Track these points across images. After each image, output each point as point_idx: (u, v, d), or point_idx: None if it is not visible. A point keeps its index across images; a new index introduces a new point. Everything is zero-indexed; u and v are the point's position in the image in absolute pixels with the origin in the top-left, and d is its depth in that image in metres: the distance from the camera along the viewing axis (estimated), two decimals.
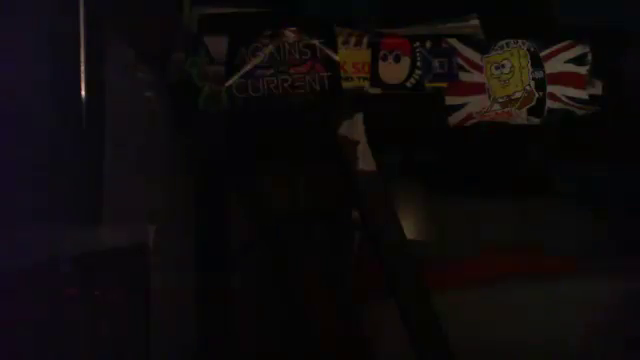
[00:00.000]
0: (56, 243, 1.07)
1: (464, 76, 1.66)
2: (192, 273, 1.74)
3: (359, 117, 1.66)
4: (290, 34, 1.62)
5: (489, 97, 1.67)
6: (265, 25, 1.63)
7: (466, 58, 1.66)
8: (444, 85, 1.65)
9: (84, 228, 1.18)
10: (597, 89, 1.69)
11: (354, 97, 1.64)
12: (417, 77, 1.65)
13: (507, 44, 1.68)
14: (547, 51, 1.69)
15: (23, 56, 1.09)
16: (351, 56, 1.63)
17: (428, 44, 1.65)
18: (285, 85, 1.61)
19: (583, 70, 1.68)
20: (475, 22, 1.68)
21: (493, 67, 1.67)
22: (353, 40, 1.64)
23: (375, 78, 1.64)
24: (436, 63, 1.65)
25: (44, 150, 1.12)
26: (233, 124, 1.70)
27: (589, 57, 1.69)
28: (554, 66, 1.68)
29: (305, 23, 1.64)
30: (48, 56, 1.15)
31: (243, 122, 1.70)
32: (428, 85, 1.65)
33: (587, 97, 1.69)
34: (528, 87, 1.68)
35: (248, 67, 1.61)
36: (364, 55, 1.63)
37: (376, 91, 1.64)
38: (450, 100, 1.66)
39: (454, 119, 1.67)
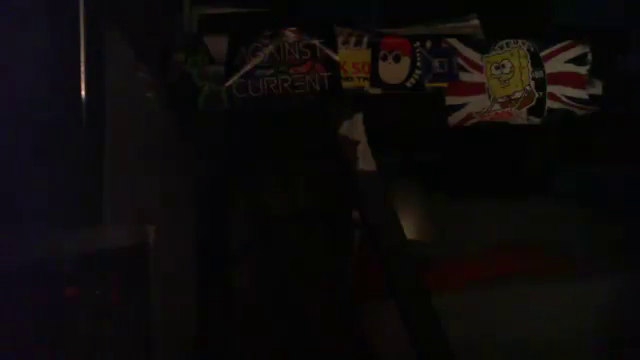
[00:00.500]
0: (56, 243, 1.07)
1: (464, 76, 1.66)
2: (192, 273, 1.74)
3: (359, 117, 1.66)
4: (290, 34, 1.62)
5: (489, 97, 1.67)
6: (265, 25, 1.63)
7: (466, 58, 1.66)
8: (444, 85, 1.65)
9: (84, 228, 1.18)
10: (597, 89, 1.69)
11: (354, 97, 1.64)
12: (417, 77, 1.65)
13: (507, 44, 1.68)
14: (547, 51, 1.69)
15: (23, 56, 1.09)
16: (351, 56, 1.63)
17: (428, 44, 1.65)
18: (285, 85, 1.61)
19: (583, 70, 1.68)
20: (475, 22, 1.68)
21: (493, 67, 1.67)
22: (353, 40, 1.63)
23: (375, 78, 1.64)
24: (436, 63, 1.65)
25: (44, 150, 1.12)
26: (233, 124, 1.70)
27: (589, 57, 1.69)
28: (554, 66, 1.68)
29: (305, 23, 1.64)
30: (48, 56, 1.15)
31: (243, 122, 1.70)
32: (428, 85, 1.65)
33: (587, 97, 1.69)
34: (528, 87, 1.68)
35: (248, 67, 1.61)
36: (364, 55, 1.63)
37: (376, 91, 1.64)
38: (450, 100, 1.66)
39: (454, 119, 1.67)
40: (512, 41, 1.69)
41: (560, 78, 1.69)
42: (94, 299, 1.17)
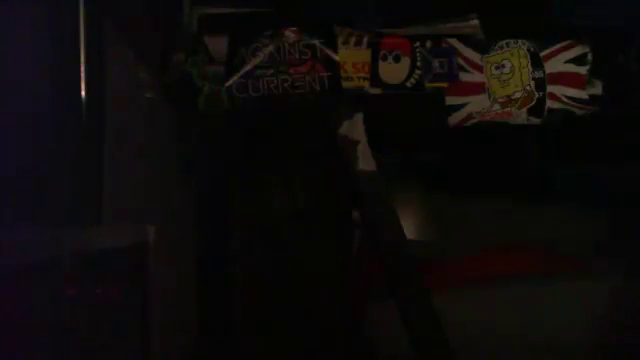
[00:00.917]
0: (56, 243, 1.07)
1: (464, 76, 1.66)
2: (192, 273, 1.74)
3: (359, 117, 1.66)
4: (290, 34, 1.62)
5: (489, 97, 1.67)
6: (265, 25, 1.63)
7: (466, 58, 1.66)
8: (444, 85, 1.65)
9: (84, 228, 1.18)
10: (597, 89, 1.69)
11: (354, 97, 1.64)
12: (417, 77, 1.65)
13: (507, 44, 1.68)
14: (547, 51, 1.69)
15: (23, 56, 1.09)
16: (351, 56, 1.63)
17: (428, 44, 1.65)
18: (285, 85, 1.61)
19: (583, 70, 1.68)
20: (475, 22, 1.68)
21: (493, 67, 1.67)
22: (353, 40, 1.64)
23: (375, 78, 1.64)
24: (436, 63, 1.65)
25: (44, 150, 1.12)
26: (233, 124, 1.70)
27: (589, 57, 1.69)
28: (554, 66, 1.68)
29: (305, 23, 1.64)
30: (48, 56, 1.15)
31: (243, 122, 1.70)
32: (428, 85, 1.65)
33: (587, 97, 1.69)
34: (528, 87, 1.68)
35: (248, 67, 1.61)
36: (364, 55, 1.63)
37: (376, 91, 1.64)
38: (450, 100, 1.66)
39: (454, 119, 1.67)
40: (512, 41, 1.69)
41: (560, 78, 1.69)
42: (94, 299, 1.17)
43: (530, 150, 2.14)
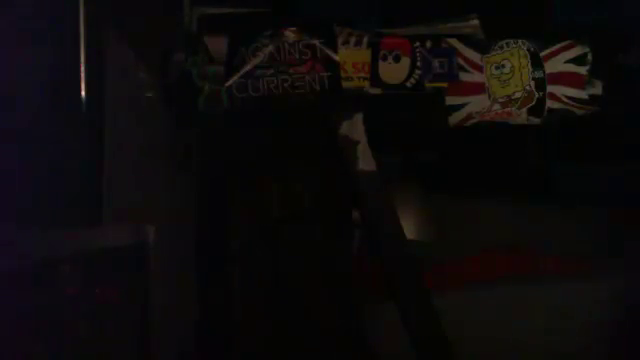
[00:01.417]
0: (56, 243, 1.07)
1: (464, 76, 1.66)
2: (192, 273, 1.74)
3: (359, 117, 1.66)
4: (290, 34, 1.62)
5: (489, 97, 1.67)
6: (265, 25, 1.63)
7: (466, 58, 1.66)
8: (444, 85, 1.65)
9: (84, 228, 1.18)
10: (597, 89, 1.69)
11: (354, 97, 1.64)
12: (417, 77, 1.65)
13: (507, 44, 1.68)
14: (547, 51, 1.69)
15: (23, 56, 1.09)
16: (351, 56, 1.63)
17: (428, 44, 1.65)
18: (285, 85, 1.61)
19: (583, 70, 1.68)
20: (475, 22, 1.68)
21: (493, 67, 1.67)
22: (353, 40, 1.64)
23: (375, 78, 1.64)
24: (436, 63, 1.65)
25: (44, 150, 1.12)
26: (233, 124, 1.70)
27: (589, 57, 1.69)
28: (554, 66, 1.68)
29: (305, 23, 1.64)
30: (48, 56, 1.15)
31: (243, 122, 1.70)
32: (428, 85, 1.65)
33: (587, 97, 1.69)
34: (528, 87, 1.68)
35: (248, 67, 1.61)
36: (364, 55, 1.63)
37: (376, 91, 1.64)
38: (450, 100, 1.66)
39: (454, 119, 1.67)
40: (512, 41, 1.69)
41: (560, 78, 1.69)
42: (94, 299, 1.17)
43: (530, 150, 2.14)
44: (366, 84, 1.64)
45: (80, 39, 1.19)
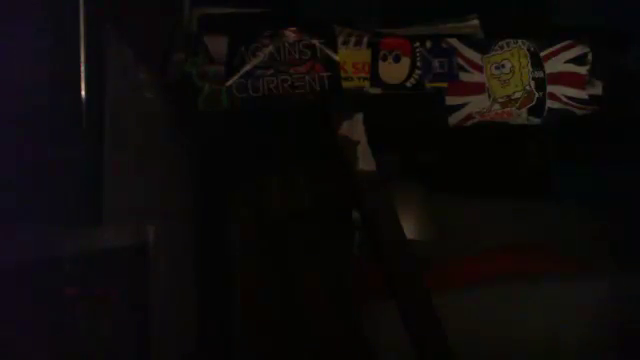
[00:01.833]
0: (56, 243, 1.07)
1: (464, 76, 1.66)
2: (192, 273, 1.74)
3: (359, 117, 1.66)
4: (290, 34, 1.62)
5: (489, 97, 1.67)
6: (265, 25, 1.63)
7: (466, 58, 1.66)
8: (444, 85, 1.65)
9: (84, 228, 1.18)
10: (597, 89, 1.69)
11: (354, 97, 1.64)
12: (417, 77, 1.65)
13: (507, 44, 1.68)
14: (547, 51, 1.69)
15: (23, 56, 1.09)
16: (351, 56, 1.63)
17: (428, 44, 1.65)
18: (285, 85, 1.61)
19: (583, 70, 1.68)
20: (475, 22, 1.68)
21: (493, 67, 1.67)
22: (353, 40, 1.63)
23: (375, 78, 1.64)
24: (436, 63, 1.65)
25: (44, 150, 1.12)
26: (233, 124, 1.70)
27: (589, 57, 1.69)
28: (554, 66, 1.68)
29: (305, 23, 1.64)
30: (48, 56, 1.15)
31: (243, 122, 1.70)
32: (428, 85, 1.65)
33: (587, 97, 1.69)
34: (528, 87, 1.68)
35: (248, 67, 1.61)
36: (364, 55, 1.63)
37: (376, 91, 1.64)
38: (450, 100, 1.66)
39: (454, 119, 1.67)
40: (512, 41, 1.68)
41: (560, 78, 1.68)
42: (94, 299, 1.17)
43: (530, 150, 2.14)
44: (366, 84, 1.63)
45: (80, 39, 1.20)
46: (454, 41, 1.66)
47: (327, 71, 1.62)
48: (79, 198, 1.18)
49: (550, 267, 1.93)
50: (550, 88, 1.68)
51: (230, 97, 1.61)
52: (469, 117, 1.68)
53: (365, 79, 1.64)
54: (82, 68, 1.19)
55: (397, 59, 1.65)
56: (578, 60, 1.69)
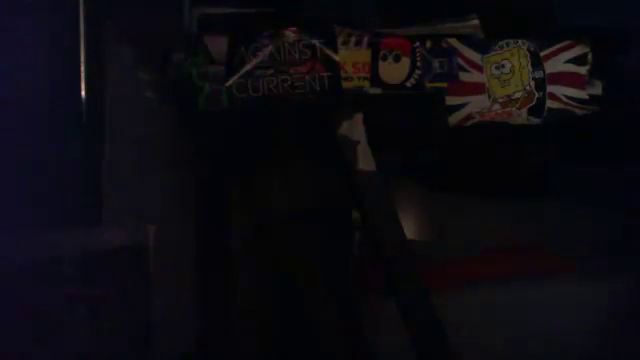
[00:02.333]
0: (56, 243, 1.07)
1: (464, 76, 1.66)
2: (192, 273, 1.74)
3: (359, 117, 1.66)
4: (290, 34, 1.62)
5: (489, 97, 1.67)
6: (265, 25, 1.63)
7: (466, 58, 1.66)
8: (444, 85, 1.65)
9: (84, 228, 1.18)
10: (597, 89, 1.69)
11: (354, 97, 1.64)
12: (417, 77, 1.65)
13: (507, 44, 1.68)
14: (547, 51, 1.68)
15: (23, 56, 1.09)
16: (351, 56, 1.63)
17: (428, 44, 1.65)
18: (285, 85, 1.61)
19: (583, 70, 1.68)
20: (475, 22, 1.67)
21: (493, 67, 1.67)
22: (353, 40, 1.63)
23: (375, 78, 1.64)
24: (436, 63, 1.65)
25: (44, 150, 1.12)
26: (233, 124, 1.70)
27: (589, 57, 1.68)
28: (554, 66, 1.68)
29: (305, 23, 1.64)
30: (48, 56, 1.15)
31: (243, 122, 1.70)
32: (428, 85, 1.65)
33: (587, 97, 1.69)
34: (528, 87, 1.68)
35: (248, 67, 1.60)
36: (364, 55, 1.63)
37: (376, 91, 1.64)
38: (450, 100, 1.66)
39: (454, 119, 1.67)
40: (512, 41, 1.68)
41: (560, 78, 1.68)
42: (94, 299, 1.17)
43: (530, 150, 2.14)
44: (366, 84, 1.63)
45: (80, 39, 1.20)
46: (454, 41, 1.66)
47: (327, 71, 1.62)
48: (79, 198, 1.18)
49: (550, 267, 1.93)
50: (550, 88, 1.68)
51: (230, 97, 1.60)
52: (469, 117, 1.68)
53: (365, 79, 1.64)
54: (82, 68, 1.20)
55: (397, 59, 1.65)
56: (578, 60, 1.69)
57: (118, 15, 1.30)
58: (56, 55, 1.15)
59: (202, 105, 1.61)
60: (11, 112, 1.03)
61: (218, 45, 1.62)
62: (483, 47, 1.68)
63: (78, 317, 1.10)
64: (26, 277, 0.95)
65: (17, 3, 1.07)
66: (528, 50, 1.69)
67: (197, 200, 1.77)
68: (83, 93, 1.17)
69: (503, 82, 1.68)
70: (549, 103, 1.69)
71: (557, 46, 1.70)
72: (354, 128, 1.66)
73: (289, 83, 1.62)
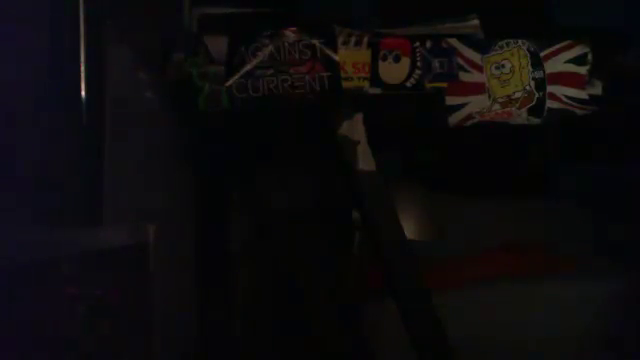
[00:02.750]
0: (56, 243, 1.07)
1: (464, 76, 1.66)
2: (192, 273, 1.74)
3: (359, 117, 1.66)
4: (290, 34, 1.62)
5: (489, 97, 1.67)
6: (265, 25, 1.63)
7: (466, 58, 1.66)
8: (444, 85, 1.65)
9: (84, 228, 1.18)
10: (597, 89, 1.69)
11: (354, 97, 1.64)
12: (417, 77, 1.65)
13: (507, 44, 1.68)
14: (547, 51, 1.68)
15: (23, 56, 1.09)
16: (351, 56, 1.63)
17: (428, 44, 1.65)
18: (285, 85, 1.61)
19: (583, 70, 1.68)
20: (475, 22, 1.67)
21: (493, 67, 1.67)
22: (353, 40, 1.63)
23: (375, 78, 1.64)
24: (436, 63, 1.65)
25: (44, 150, 1.12)
26: (233, 124, 1.70)
27: (589, 57, 1.68)
28: (554, 66, 1.68)
29: (305, 23, 1.64)
30: (48, 56, 1.15)
31: (243, 122, 1.70)
32: (428, 85, 1.65)
33: (587, 97, 1.69)
34: (528, 87, 1.68)
35: (248, 67, 1.60)
36: (364, 55, 1.63)
37: (376, 91, 1.64)
38: (450, 100, 1.66)
39: (454, 119, 1.67)
40: (512, 41, 1.68)
41: (560, 78, 1.68)
42: (94, 299, 1.17)
43: (530, 150, 2.14)
44: (366, 84, 1.63)
45: (80, 39, 1.20)
46: (454, 41, 1.66)
47: (327, 71, 1.62)
48: (79, 198, 1.18)
49: (550, 267, 1.93)
50: (550, 88, 1.68)
51: (230, 97, 1.60)
52: (469, 117, 1.68)
53: (365, 79, 1.64)
54: (82, 68, 1.19)
55: (397, 59, 1.65)
56: (578, 60, 1.69)
57: (118, 15, 1.30)
58: (56, 55, 1.15)
59: (202, 105, 1.61)
60: (11, 112, 1.03)
61: (218, 45, 1.62)
62: (483, 47, 1.68)
63: (78, 317, 1.10)
64: (26, 277, 0.95)
65: (17, 3, 1.07)
66: (528, 50, 1.69)
67: (197, 200, 1.77)
68: (83, 93, 1.17)
69: (503, 82, 1.68)
70: (549, 103, 1.69)
71: (557, 46, 1.70)
72: (354, 128, 1.66)
73: (289, 83, 1.62)
